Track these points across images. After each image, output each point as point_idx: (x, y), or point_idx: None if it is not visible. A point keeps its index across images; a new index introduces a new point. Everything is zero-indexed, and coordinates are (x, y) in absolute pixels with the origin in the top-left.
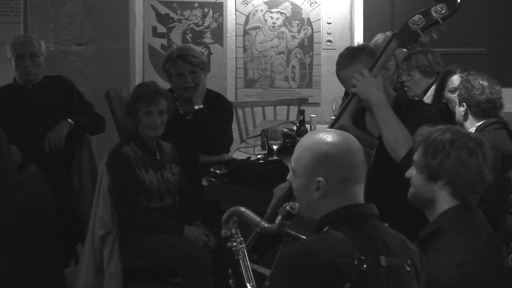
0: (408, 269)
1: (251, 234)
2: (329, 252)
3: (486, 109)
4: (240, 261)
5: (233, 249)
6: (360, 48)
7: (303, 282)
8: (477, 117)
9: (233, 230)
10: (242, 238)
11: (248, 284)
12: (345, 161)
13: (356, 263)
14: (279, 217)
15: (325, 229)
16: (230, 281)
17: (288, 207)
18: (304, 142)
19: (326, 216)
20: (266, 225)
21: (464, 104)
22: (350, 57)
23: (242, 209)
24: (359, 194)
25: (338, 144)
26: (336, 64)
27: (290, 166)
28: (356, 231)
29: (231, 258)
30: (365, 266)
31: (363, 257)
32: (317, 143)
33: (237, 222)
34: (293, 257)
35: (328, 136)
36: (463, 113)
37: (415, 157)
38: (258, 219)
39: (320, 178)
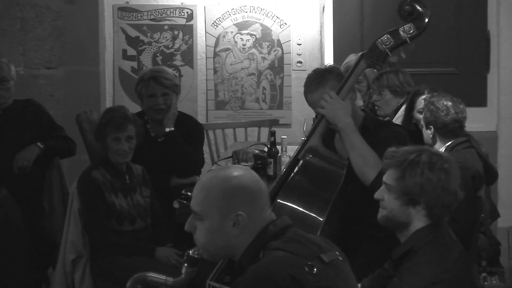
0: (341, 258)
1: None
2: (283, 268)
3: (453, 129)
4: None
5: None
6: (327, 71)
7: None
8: (445, 137)
9: None
10: None
11: None
12: (258, 189)
13: (307, 270)
14: (184, 267)
15: (261, 255)
16: None
17: (191, 253)
18: (207, 183)
19: (252, 245)
20: (174, 280)
21: (431, 127)
22: (317, 80)
23: (144, 274)
24: (270, 212)
25: (244, 175)
26: (304, 87)
27: (192, 210)
28: (289, 243)
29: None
30: (315, 269)
31: (309, 262)
32: (223, 179)
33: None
34: (253, 283)
35: (231, 171)
36: (431, 135)
37: (387, 180)
38: (163, 278)
39: (240, 212)
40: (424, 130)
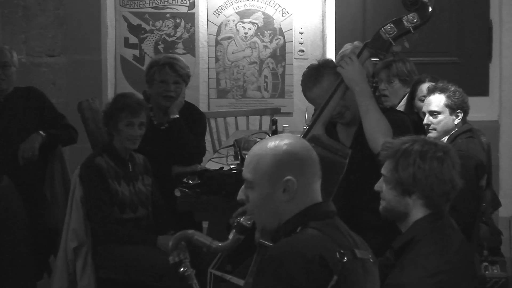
0: (372, 261)
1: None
2: (315, 248)
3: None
4: (194, 285)
5: (185, 274)
6: (322, 66)
7: (294, 278)
8: (464, 123)
9: (182, 255)
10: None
11: None
12: (308, 157)
13: (338, 256)
14: (232, 232)
15: (298, 230)
16: None
17: (242, 221)
18: (258, 151)
19: (295, 218)
20: (219, 244)
21: (460, 111)
22: (314, 77)
23: (191, 232)
24: (319, 191)
25: (296, 143)
26: (301, 85)
27: (243, 178)
28: (328, 228)
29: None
30: (345, 259)
31: (342, 251)
32: (274, 146)
33: (185, 246)
34: (282, 255)
35: (282, 139)
36: (458, 120)
37: (384, 171)
38: (209, 240)
39: (289, 177)
40: (445, 116)
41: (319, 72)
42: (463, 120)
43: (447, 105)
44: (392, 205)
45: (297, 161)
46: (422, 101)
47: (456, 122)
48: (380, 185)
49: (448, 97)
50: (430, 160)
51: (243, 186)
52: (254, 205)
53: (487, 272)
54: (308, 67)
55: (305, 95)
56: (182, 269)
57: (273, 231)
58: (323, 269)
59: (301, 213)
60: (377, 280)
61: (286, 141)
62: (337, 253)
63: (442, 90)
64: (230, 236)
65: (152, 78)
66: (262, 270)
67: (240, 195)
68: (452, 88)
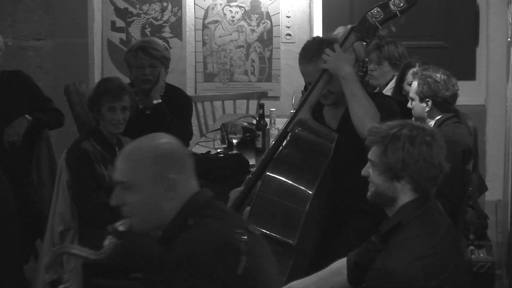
0: (258, 232)
1: None
2: (217, 234)
3: (450, 103)
4: None
5: None
6: (324, 44)
7: (208, 269)
8: (440, 112)
9: (59, 271)
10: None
11: None
12: (185, 153)
13: (238, 237)
14: (108, 239)
15: (190, 222)
16: None
17: (117, 226)
18: (133, 152)
19: (182, 212)
20: (97, 253)
21: (429, 100)
22: (311, 54)
23: (67, 246)
24: (196, 181)
25: (172, 142)
26: (299, 54)
27: (118, 182)
28: (218, 212)
29: None
30: (245, 237)
31: (239, 231)
32: (152, 145)
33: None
34: (189, 252)
35: (157, 137)
36: (427, 109)
37: (371, 156)
38: (85, 252)
39: (172, 176)
40: (416, 103)
41: (320, 50)
42: (439, 108)
43: (416, 92)
44: (380, 190)
45: (177, 159)
46: (410, 85)
47: (426, 110)
48: (367, 170)
49: (418, 84)
50: (420, 144)
51: (116, 190)
52: (134, 207)
53: (473, 256)
54: (313, 39)
55: (299, 65)
56: (62, 285)
57: (155, 231)
58: (231, 252)
59: (186, 206)
60: (269, 251)
61: (162, 141)
62: (237, 234)
63: (418, 76)
64: (106, 243)
65: (129, 64)
66: (173, 272)
67: (116, 200)
68: (424, 75)
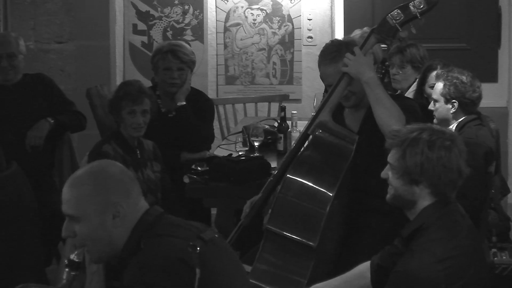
0: (217, 236)
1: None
2: (167, 252)
3: (476, 104)
4: None
5: None
6: (344, 45)
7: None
8: (465, 113)
9: None
10: None
11: None
12: (129, 177)
13: (191, 250)
14: (65, 272)
15: (142, 244)
16: None
17: (73, 257)
18: (75, 184)
19: (133, 235)
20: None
21: (455, 101)
22: (333, 54)
23: (26, 286)
24: (143, 201)
25: (112, 166)
26: (319, 56)
27: (67, 215)
28: (167, 229)
29: None
30: (198, 248)
31: (191, 243)
32: (92, 175)
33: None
34: (142, 275)
35: (96, 165)
36: (453, 110)
37: (391, 159)
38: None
39: (117, 202)
40: (440, 104)
41: (340, 51)
42: (464, 110)
43: (442, 94)
44: (399, 193)
45: (120, 184)
46: (432, 88)
47: (451, 112)
48: (386, 173)
49: (444, 86)
50: (438, 149)
51: (65, 223)
52: (85, 238)
53: (495, 258)
54: (331, 41)
55: (319, 68)
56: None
57: (111, 257)
58: (184, 268)
59: (136, 228)
60: (230, 250)
61: (105, 168)
62: (189, 248)
63: (443, 78)
64: (64, 276)
65: (157, 66)
66: None
67: (66, 232)
68: (450, 77)
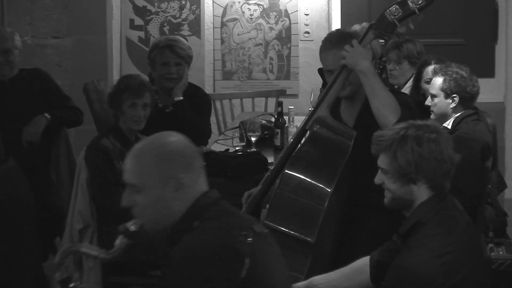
0: (266, 231)
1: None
2: (221, 238)
3: (475, 99)
4: None
5: None
6: (350, 35)
7: (209, 273)
8: (464, 108)
9: (70, 270)
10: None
11: None
12: (193, 152)
13: (242, 239)
14: (119, 238)
15: (195, 224)
16: None
17: (128, 226)
18: (141, 153)
19: (188, 213)
20: (108, 252)
21: (456, 95)
22: (336, 40)
23: (77, 245)
24: (204, 181)
25: (179, 140)
26: (322, 42)
27: (128, 184)
28: (223, 214)
29: None
30: (250, 239)
31: (243, 232)
32: (159, 146)
33: (73, 259)
34: (191, 254)
35: (164, 137)
36: (453, 105)
37: (382, 164)
38: (96, 251)
39: (181, 175)
40: (440, 99)
41: (344, 38)
42: (464, 104)
43: (442, 89)
44: (397, 195)
45: (185, 158)
46: (428, 83)
47: (451, 106)
48: (381, 178)
49: (444, 80)
50: (427, 143)
51: (125, 192)
52: (144, 208)
53: (492, 253)
54: (337, 30)
55: (320, 53)
56: (72, 284)
57: (165, 231)
58: (233, 256)
59: (193, 207)
60: (277, 248)
61: (169, 139)
62: (241, 236)
63: (441, 73)
64: (117, 242)
65: (154, 61)
66: (173, 273)
67: (126, 202)
68: (450, 71)
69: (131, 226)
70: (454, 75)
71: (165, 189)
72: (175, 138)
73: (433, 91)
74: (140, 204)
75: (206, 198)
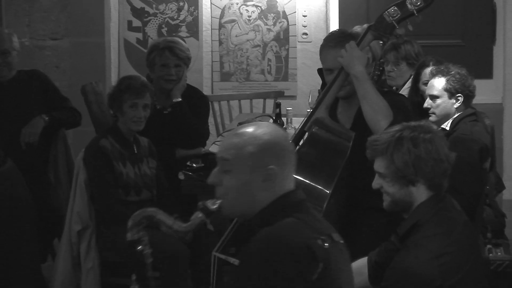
0: (342, 242)
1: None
2: (299, 237)
3: (473, 98)
4: (149, 266)
5: (143, 253)
6: (352, 36)
7: (282, 269)
8: (466, 107)
9: (141, 233)
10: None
11: None
12: (289, 147)
13: (320, 243)
14: (196, 215)
15: (276, 218)
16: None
17: (208, 204)
18: (241, 136)
19: (272, 206)
20: (182, 225)
21: (461, 94)
22: (339, 40)
23: (153, 211)
24: (293, 179)
25: (279, 133)
26: (324, 41)
27: (220, 162)
28: (305, 215)
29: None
30: (327, 244)
31: (322, 237)
32: (257, 134)
33: (146, 225)
34: (268, 247)
35: (266, 127)
36: (458, 104)
37: (378, 169)
38: (171, 220)
39: (272, 167)
40: (444, 99)
41: (345, 38)
42: (466, 103)
43: (446, 89)
44: (397, 198)
45: (281, 151)
46: (426, 85)
47: (456, 106)
48: (378, 183)
49: (447, 80)
50: (423, 144)
51: (216, 169)
52: (229, 190)
53: (490, 254)
54: (339, 29)
55: (320, 52)
56: (140, 247)
57: (243, 217)
58: (309, 258)
59: (277, 201)
60: (349, 261)
61: (270, 130)
62: (319, 240)
63: (442, 74)
64: (193, 217)
65: (153, 63)
66: (247, 262)
67: (213, 178)
68: (453, 72)
69: (211, 205)
70: (456, 75)
71: (253, 175)
72: (278, 131)
73: (434, 92)
74: (225, 184)
75: (292, 196)
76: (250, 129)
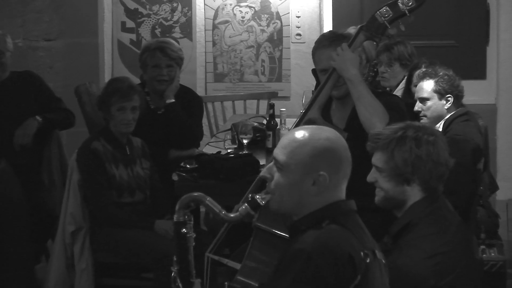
0: (384, 262)
1: (221, 229)
2: (344, 245)
3: (462, 97)
4: (191, 249)
5: (187, 235)
6: (345, 37)
7: (322, 275)
8: (456, 107)
9: (187, 216)
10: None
11: (192, 272)
12: (345, 156)
13: (363, 256)
14: (244, 206)
15: (324, 223)
16: (172, 269)
17: (257, 198)
18: (298, 137)
19: (320, 211)
20: (229, 215)
21: (450, 95)
22: (332, 40)
23: (203, 195)
24: (344, 190)
25: (338, 140)
26: (316, 42)
27: (274, 159)
28: (353, 226)
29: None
30: (368, 259)
31: (366, 251)
32: (315, 138)
33: (193, 209)
34: (312, 250)
35: (324, 132)
36: (448, 105)
37: (377, 163)
38: (218, 208)
39: (323, 173)
40: (434, 101)
41: (338, 39)
42: (456, 104)
43: (435, 91)
44: (390, 195)
45: (335, 159)
46: (416, 86)
47: (446, 107)
48: (374, 177)
49: (436, 82)
50: (426, 145)
51: (270, 164)
52: (278, 188)
53: (484, 255)
54: (330, 31)
55: (313, 53)
56: (184, 229)
57: (288, 215)
58: (349, 268)
59: (327, 207)
60: (387, 282)
61: (329, 136)
62: (362, 253)
63: (430, 76)
64: (240, 209)
65: (145, 64)
66: (289, 262)
67: (265, 173)
68: (441, 73)
69: (260, 199)
70: (445, 76)
71: (303, 178)
72: (337, 138)
73: (424, 95)
74: (277, 181)
75: (344, 204)
76: (310, 132)
